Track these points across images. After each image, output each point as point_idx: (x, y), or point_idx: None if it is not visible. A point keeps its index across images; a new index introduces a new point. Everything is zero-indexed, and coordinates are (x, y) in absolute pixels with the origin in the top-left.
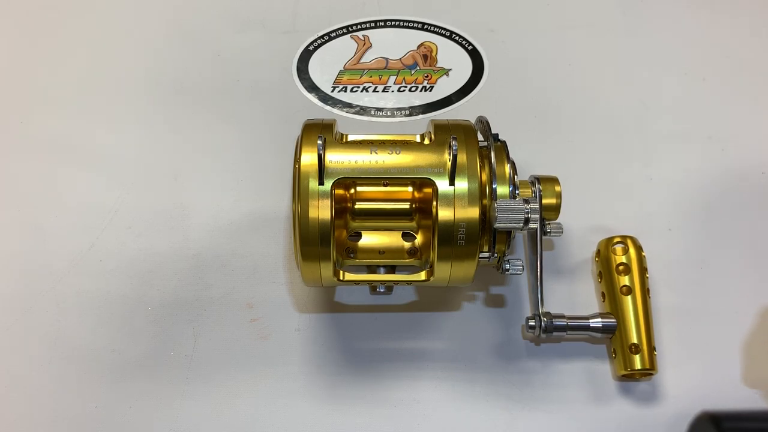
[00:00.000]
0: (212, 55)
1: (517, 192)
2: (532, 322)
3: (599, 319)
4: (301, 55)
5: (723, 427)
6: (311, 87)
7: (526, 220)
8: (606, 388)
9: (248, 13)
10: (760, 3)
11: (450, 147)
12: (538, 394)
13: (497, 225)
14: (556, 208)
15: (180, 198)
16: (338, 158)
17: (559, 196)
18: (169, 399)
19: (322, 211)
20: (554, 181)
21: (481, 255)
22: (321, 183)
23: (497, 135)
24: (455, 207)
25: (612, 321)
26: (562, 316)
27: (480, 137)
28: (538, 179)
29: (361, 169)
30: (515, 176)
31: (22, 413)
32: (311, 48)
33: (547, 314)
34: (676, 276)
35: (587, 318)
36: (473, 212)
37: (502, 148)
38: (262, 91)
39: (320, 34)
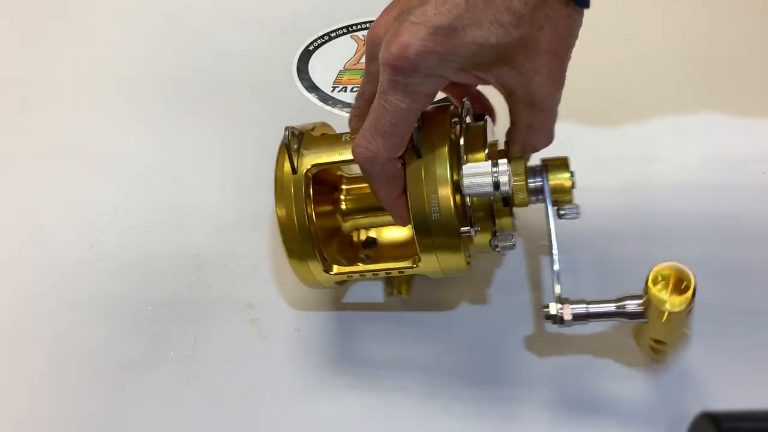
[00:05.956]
0: (212, 55)
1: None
2: (547, 311)
3: (625, 303)
4: (301, 55)
5: (723, 427)
6: (311, 87)
7: (496, 184)
8: (606, 387)
9: (248, 13)
10: (760, 3)
11: (418, 122)
12: (538, 394)
13: (466, 191)
14: (567, 190)
15: (180, 198)
16: (314, 150)
17: (567, 178)
18: (169, 399)
19: (298, 205)
20: (562, 161)
21: (462, 230)
22: (294, 172)
23: (483, 115)
24: (424, 177)
25: (637, 306)
26: (583, 302)
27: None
28: (545, 160)
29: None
30: (490, 147)
31: (22, 413)
32: (311, 48)
33: (565, 300)
34: None
35: (612, 302)
36: (443, 179)
37: (482, 123)
38: (262, 91)
39: (320, 34)
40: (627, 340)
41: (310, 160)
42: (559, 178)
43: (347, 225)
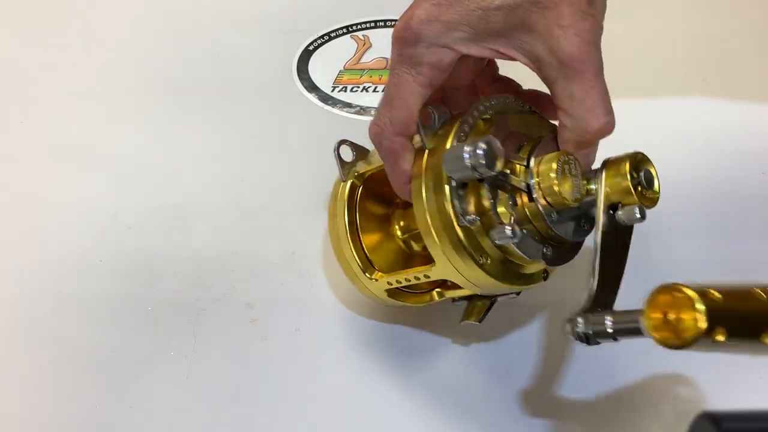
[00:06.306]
0: (212, 55)
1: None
2: (570, 326)
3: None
4: (301, 55)
5: (723, 427)
6: (311, 87)
7: (473, 167)
8: (605, 387)
9: (248, 12)
10: (760, 3)
11: (432, 115)
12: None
13: (448, 173)
14: (627, 191)
15: (180, 198)
16: (364, 161)
17: (624, 176)
18: (169, 399)
19: (340, 212)
20: (622, 160)
21: (461, 221)
22: (343, 180)
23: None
24: (424, 164)
25: None
26: (607, 313)
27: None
28: (607, 160)
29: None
30: (531, 141)
31: (22, 413)
32: (311, 48)
33: (588, 314)
34: (676, 276)
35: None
36: (438, 165)
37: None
38: (262, 91)
39: (320, 34)
40: None
41: (357, 168)
42: (614, 177)
43: (417, 246)
